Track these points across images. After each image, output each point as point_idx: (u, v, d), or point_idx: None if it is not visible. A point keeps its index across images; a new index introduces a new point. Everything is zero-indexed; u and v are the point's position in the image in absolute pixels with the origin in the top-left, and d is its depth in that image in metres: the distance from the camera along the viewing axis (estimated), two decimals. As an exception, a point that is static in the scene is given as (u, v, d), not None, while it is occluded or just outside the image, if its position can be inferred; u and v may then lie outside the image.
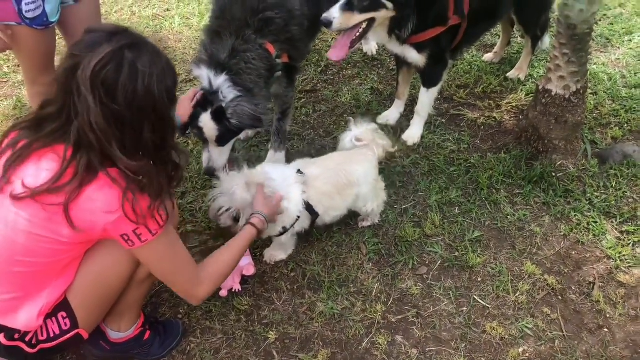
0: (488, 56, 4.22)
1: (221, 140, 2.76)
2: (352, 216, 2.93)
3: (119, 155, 1.75)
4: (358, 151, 2.82)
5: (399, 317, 2.55)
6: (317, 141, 3.53)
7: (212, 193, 2.48)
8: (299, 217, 2.59)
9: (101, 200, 1.77)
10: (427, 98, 3.44)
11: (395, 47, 3.21)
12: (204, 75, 2.67)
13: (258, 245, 2.83)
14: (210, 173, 2.84)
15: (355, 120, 2.90)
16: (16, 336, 1.91)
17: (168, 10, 4.86)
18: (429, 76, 3.37)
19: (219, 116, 2.66)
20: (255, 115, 2.70)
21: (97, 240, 1.93)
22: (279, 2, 2.80)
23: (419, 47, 3.15)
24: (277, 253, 2.77)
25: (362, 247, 2.85)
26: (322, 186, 2.63)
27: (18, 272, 1.85)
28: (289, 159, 3.15)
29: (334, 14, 2.84)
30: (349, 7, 2.85)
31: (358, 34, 2.99)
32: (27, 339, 1.93)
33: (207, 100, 2.66)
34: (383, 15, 2.95)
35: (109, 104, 1.69)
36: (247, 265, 2.61)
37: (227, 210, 2.42)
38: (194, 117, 2.68)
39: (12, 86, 4.03)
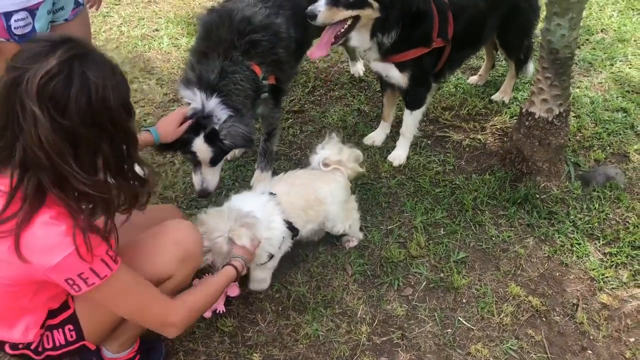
0: (473, 79, 4.28)
1: (214, 161, 2.77)
2: (337, 236, 2.93)
3: (74, 173, 1.61)
4: (326, 171, 2.81)
5: (384, 338, 2.54)
6: (304, 161, 3.53)
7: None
8: (284, 237, 2.59)
9: (44, 237, 1.62)
10: (411, 120, 3.47)
11: (378, 65, 3.24)
12: (197, 97, 2.67)
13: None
14: (205, 194, 2.84)
15: (325, 141, 2.87)
16: (20, 346, 1.93)
17: (157, 30, 4.89)
18: (412, 98, 3.40)
19: (212, 138, 2.67)
20: (248, 136, 2.72)
21: (42, 281, 1.73)
22: (265, 24, 2.83)
23: (401, 67, 3.19)
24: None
25: (347, 268, 2.85)
26: (295, 201, 2.63)
27: None
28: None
29: (319, 7, 2.85)
30: (334, 3, 2.87)
31: (342, 30, 2.99)
32: (32, 347, 1.95)
33: (199, 124, 2.66)
34: (368, 14, 2.95)
35: (60, 119, 1.55)
36: (232, 286, 2.59)
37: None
38: (186, 142, 2.67)
39: (-3, 104, 4.01)
